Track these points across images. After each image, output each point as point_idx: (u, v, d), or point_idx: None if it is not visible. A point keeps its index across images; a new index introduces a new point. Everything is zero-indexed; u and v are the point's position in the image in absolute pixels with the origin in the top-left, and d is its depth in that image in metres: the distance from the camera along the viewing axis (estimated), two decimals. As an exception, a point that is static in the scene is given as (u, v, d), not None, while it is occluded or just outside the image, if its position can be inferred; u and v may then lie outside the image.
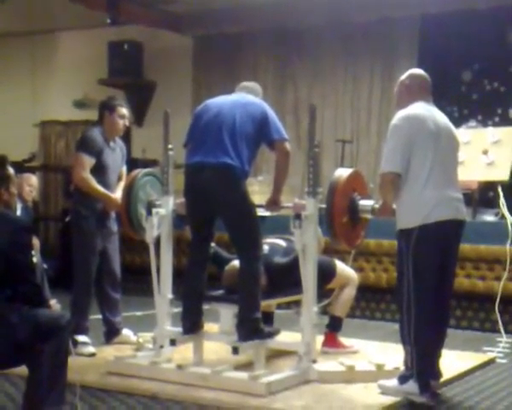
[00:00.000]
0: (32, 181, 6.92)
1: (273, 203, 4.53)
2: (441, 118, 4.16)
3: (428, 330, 4.01)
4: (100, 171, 5.12)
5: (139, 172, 4.94)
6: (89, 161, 5.07)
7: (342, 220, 4.27)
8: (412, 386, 4.00)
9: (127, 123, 5.30)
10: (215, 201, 4.31)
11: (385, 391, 4.11)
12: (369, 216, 4.39)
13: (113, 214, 5.30)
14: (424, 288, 3.98)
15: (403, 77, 4.26)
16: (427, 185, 3.96)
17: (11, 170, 3.52)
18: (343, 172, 4.39)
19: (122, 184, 5.20)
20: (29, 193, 6.82)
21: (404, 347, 4.07)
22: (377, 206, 4.27)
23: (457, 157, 4.26)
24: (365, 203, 4.34)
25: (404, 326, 4.03)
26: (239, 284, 4.35)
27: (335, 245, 4.54)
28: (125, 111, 5.25)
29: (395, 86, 4.32)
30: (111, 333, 5.32)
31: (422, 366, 4.00)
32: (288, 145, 4.41)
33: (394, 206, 4.13)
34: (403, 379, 4.06)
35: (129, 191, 4.87)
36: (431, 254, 3.98)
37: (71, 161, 8.06)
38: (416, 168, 3.98)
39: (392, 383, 4.12)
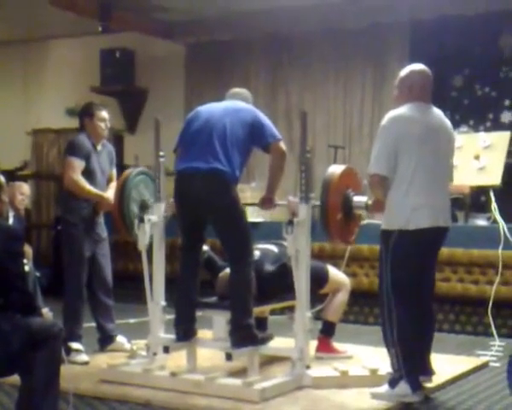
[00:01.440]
0: (24, 189, 6.91)
1: (267, 201, 4.52)
2: (436, 120, 4.11)
3: (411, 329, 4.02)
4: (88, 175, 5.13)
5: (132, 171, 4.94)
6: (79, 164, 5.09)
7: (336, 216, 4.27)
8: (403, 388, 4.02)
9: (109, 125, 5.31)
10: (205, 206, 4.31)
11: (378, 398, 4.10)
12: (362, 212, 4.40)
13: (101, 220, 5.31)
14: (402, 290, 3.99)
15: (404, 73, 4.14)
16: (409, 190, 3.95)
17: (2, 178, 3.51)
18: (336, 169, 4.39)
19: (113, 185, 5.23)
20: (21, 201, 6.82)
21: (388, 351, 4.09)
22: (370, 202, 4.28)
23: (451, 161, 4.23)
24: (359, 200, 4.34)
25: (387, 328, 4.06)
26: (230, 291, 4.35)
27: (330, 241, 4.53)
28: (104, 114, 5.25)
29: (396, 80, 4.19)
30: (105, 340, 5.31)
31: (410, 364, 4.01)
32: (282, 145, 4.42)
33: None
34: (393, 383, 4.07)
35: (122, 190, 4.86)
36: (407, 259, 3.99)
37: (61, 167, 8.13)
38: (401, 171, 3.97)
39: (384, 388, 4.12)
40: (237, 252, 4.33)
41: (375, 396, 4.13)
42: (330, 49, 8.22)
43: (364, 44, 8.05)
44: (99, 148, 5.25)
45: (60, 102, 9.63)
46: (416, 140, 3.97)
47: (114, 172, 5.42)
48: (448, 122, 4.22)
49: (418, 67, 4.18)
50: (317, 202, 4.33)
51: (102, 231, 5.31)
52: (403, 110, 4.02)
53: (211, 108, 4.50)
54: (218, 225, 4.39)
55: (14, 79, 10.08)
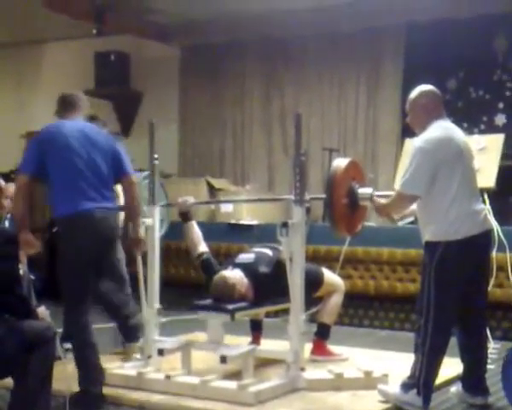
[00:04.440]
0: (10, 192, 6.90)
1: (136, 241, 4.45)
2: (459, 132, 4.17)
3: (443, 345, 4.01)
4: None
5: (141, 174, 4.95)
6: None
7: (342, 208, 4.28)
8: (414, 397, 3.96)
9: None
10: (111, 246, 4.38)
11: (385, 397, 4.10)
12: (367, 203, 4.40)
13: None
14: (445, 305, 3.96)
15: (415, 95, 4.15)
16: (454, 202, 3.94)
17: (2, 182, 3.52)
18: (341, 162, 4.40)
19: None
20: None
21: (415, 354, 4.03)
22: (378, 198, 4.24)
23: (474, 168, 4.26)
24: (364, 191, 4.34)
25: (421, 335, 3.99)
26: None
27: (336, 233, 4.52)
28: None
29: (407, 105, 4.19)
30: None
31: (430, 378, 3.98)
32: (134, 176, 4.42)
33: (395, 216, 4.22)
34: (406, 387, 4.01)
35: None
36: (456, 270, 3.96)
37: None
38: (442, 186, 3.96)
39: (394, 390, 4.09)
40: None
41: (382, 394, 4.12)
42: (325, 52, 8.24)
43: (359, 47, 8.07)
44: None
45: (54, 105, 9.58)
46: (455, 156, 4.00)
47: None
48: (462, 132, 4.27)
49: (427, 87, 4.19)
50: (323, 196, 4.34)
51: None
52: (437, 132, 4.03)
53: (73, 136, 4.19)
54: (107, 260, 4.43)
55: (8, 82, 10.07)
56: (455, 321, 4.10)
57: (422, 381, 3.96)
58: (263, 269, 4.70)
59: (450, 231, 3.95)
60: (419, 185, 3.96)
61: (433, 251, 3.98)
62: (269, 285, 4.62)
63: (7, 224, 6.42)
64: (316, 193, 7.83)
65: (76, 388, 4.28)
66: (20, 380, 3.17)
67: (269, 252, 4.88)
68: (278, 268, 4.47)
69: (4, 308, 3.27)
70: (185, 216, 4.92)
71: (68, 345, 5.08)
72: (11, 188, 6.96)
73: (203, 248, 4.86)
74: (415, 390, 3.97)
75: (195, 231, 4.91)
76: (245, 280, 4.61)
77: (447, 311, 3.98)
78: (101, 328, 6.03)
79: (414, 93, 4.18)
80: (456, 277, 3.98)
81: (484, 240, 4.10)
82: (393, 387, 4.12)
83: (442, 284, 3.95)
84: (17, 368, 3.17)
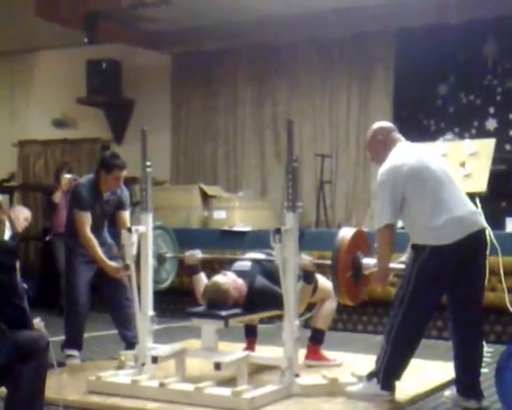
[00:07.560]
0: (27, 215, 7.14)
1: None
2: (417, 149, 4.28)
3: (410, 343, 4.11)
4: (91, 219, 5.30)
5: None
6: (86, 217, 5.25)
7: (346, 279, 4.32)
8: (375, 386, 4.12)
9: (121, 182, 5.38)
10: None
11: (351, 396, 4.20)
12: (371, 273, 4.43)
13: (107, 240, 5.42)
14: (418, 304, 4.07)
15: (371, 134, 4.36)
16: (432, 216, 4.04)
17: (1, 198, 3.53)
18: (347, 232, 4.43)
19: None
20: (22, 225, 7.01)
21: (383, 341, 4.16)
22: (375, 270, 4.29)
23: (449, 175, 4.28)
24: (368, 262, 4.40)
25: (389, 325, 4.16)
26: None
27: (340, 300, 4.60)
28: (121, 174, 5.32)
29: (367, 145, 4.47)
30: (128, 348, 5.29)
31: (392, 365, 4.10)
32: None
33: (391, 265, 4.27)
34: (370, 376, 4.18)
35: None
36: (438, 275, 4.06)
37: (50, 182, 8.20)
38: (415, 206, 4.09)
39: (358, 385, 4.24)
40: None
41: (349, 395, 4.22)
42: (316, 58, 8.27)
43: (350, 54, 8.11)
44: (105, 195, 5.37)
45: (46, 113, 9.62)
46: (416, 176, 4.10)
47: (126, 214, 5.47)
48: (424, 150, 4.40)
49: (382, 123, 4.44)
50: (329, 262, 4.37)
51: (110, 247, 5.40)
52: (391, 160, 4.18)
53: None
54: None
55: (0, 91, 10.05)
56: (424, 324, 4.20)
57: (385, 366, 4.08)
58: (259, 278, 4.70)
59: (435, 238, 4.05)
60: (388, 215, 4.10)
61: (418, 251, 4.10)
62: (264, 298, 4.61)
63: (7, 236, 6.47)
64: (308, 198, 7.89)
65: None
66: (13, 389, 3.17)
67: (262, 257, 4.88)
68: (273, 275, 4.47)
69: (2, 319, 3.26)
70: (192, 269, 4.90)
71: (69, 351, 5.12)
72: (26, 213, 7.18)
73: None
74: (376, 380, 4.11)
75: (204, 283, 4.84)
76: (239, 282, 4.61)
77: (418, 310, 4.09)
78: (100, 335, 6.06)
79: (369, 133, 4.39)
80: (436, 281, 4.07)
81: (472, 242, 4.12)
82: (358, 385, 4.24)
83: (421, 284, 4.06)
84: (10, 377, 3.17)
